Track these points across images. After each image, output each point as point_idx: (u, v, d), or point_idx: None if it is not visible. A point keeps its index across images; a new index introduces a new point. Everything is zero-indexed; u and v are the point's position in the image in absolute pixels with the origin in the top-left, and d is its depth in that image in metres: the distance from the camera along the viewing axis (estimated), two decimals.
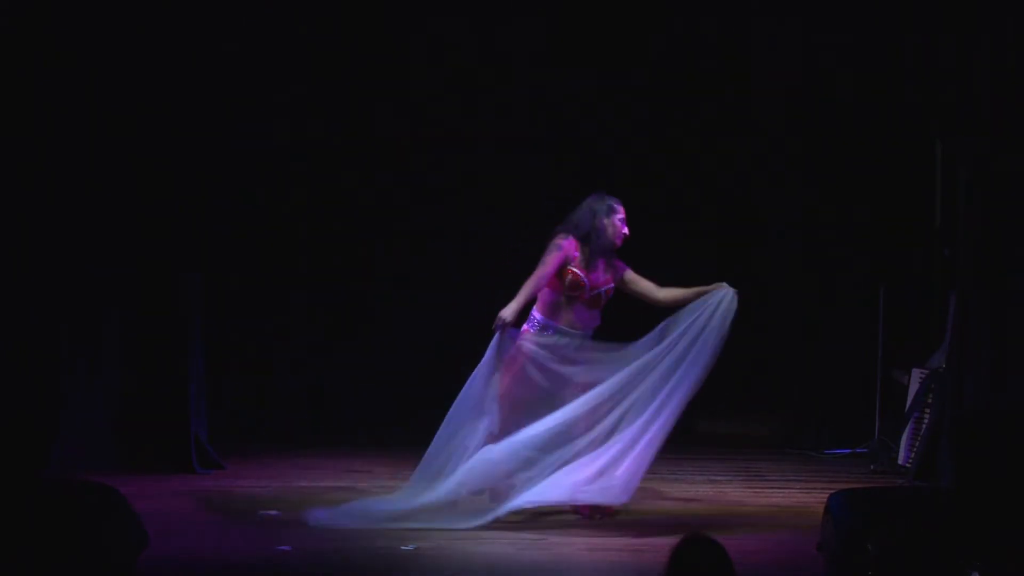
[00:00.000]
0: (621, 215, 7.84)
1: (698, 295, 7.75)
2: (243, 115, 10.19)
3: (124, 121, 9.04)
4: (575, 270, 7.77)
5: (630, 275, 7.93)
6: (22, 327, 8.85)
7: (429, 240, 10.93)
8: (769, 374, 10.71)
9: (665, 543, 7.15)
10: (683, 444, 10.28)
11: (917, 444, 9.12)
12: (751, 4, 10.38)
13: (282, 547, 7.23)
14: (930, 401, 9.14)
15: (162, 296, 9.22)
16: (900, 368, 9.76)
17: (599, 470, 7.60)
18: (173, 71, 9.10)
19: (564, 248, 7.78)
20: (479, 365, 7.75)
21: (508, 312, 7.69)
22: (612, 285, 7.86)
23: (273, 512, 8.04)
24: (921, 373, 9.36)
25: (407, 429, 10.63)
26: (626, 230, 7.84)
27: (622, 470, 7.59)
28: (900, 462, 9.32)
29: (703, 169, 11.34)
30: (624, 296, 7.95)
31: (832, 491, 6.79)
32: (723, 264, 11.30)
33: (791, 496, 8.69)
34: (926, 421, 9.10)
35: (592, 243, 7.79)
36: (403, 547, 7.30)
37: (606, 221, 7.81)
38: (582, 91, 10.81)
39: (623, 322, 7.90)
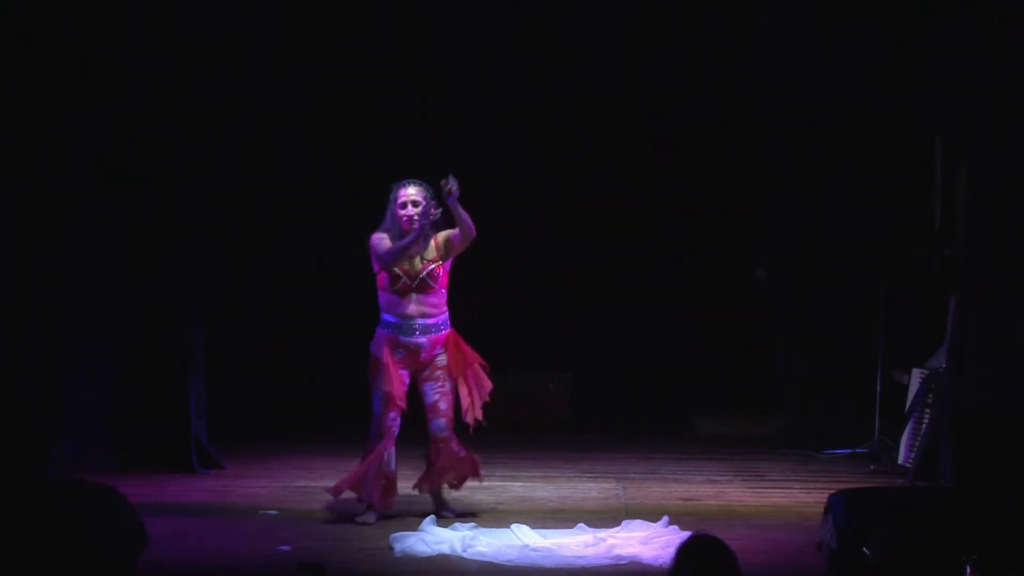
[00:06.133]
0: (401, 199, 7.79)
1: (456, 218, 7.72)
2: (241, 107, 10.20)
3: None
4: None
5: (451, 241, 7.85)
6: (23, 328, 8.84)
7: None
8: (769, 374, 10.69)
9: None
10: (683, 444, 10.34)
11: (917, 444, 9.11)
12: (752, 2, 10.38)
13: (282, 547, 7.24)
14: (930, 401, 9.14)
15: (162, 297, 9.21)
16: (900, 368, 9.75)
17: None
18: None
19: (372, 246, 7.82)
20: None
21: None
22: (439, 263, 7.83)
23: (273, 512, 8.04)
24: (921, 373, 9.35)
25: (407, 429, 10.67)
26: (409, 211, 7.76)
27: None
28: (900, 462, 9.31)
29: (702, 170, 11.38)
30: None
31: (832, 491, 6.80)
32: (723, 263, 11.35)
33: (791, 496, 8.69)
34: (926, 421, 9.09)
35: (395, 233, 7.80)
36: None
37: (395, 211, 7.80)
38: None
39: None
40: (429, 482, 7.97)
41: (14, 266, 8.81)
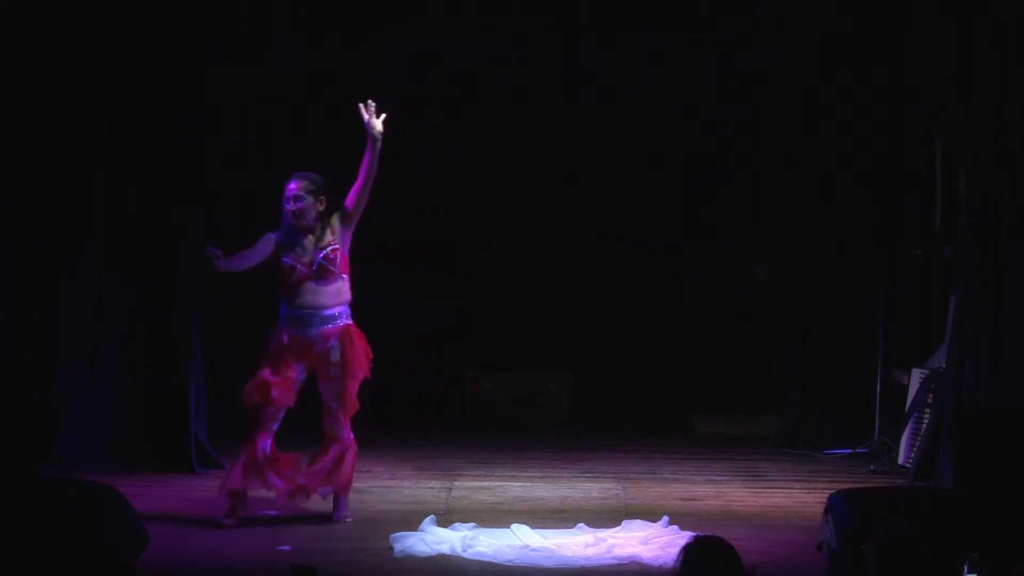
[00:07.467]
0: (287, 193, 7.66)
1: (371, 152, 7.67)
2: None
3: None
4: (281, 260, 7.62)
5: (346, 210, 7.70)
6: (22, 327, 8.84)
7: (427, 240, 10.94)
8: (769, 374, 10.69)
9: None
10: (683, 444, 10.34)
11: (917, 444, 9.11)
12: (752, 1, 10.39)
13: (282, 547, 7.24)
14: (930, 401, 9.14)
15: (162, 296, 9.20)
16: (900, 368, 9.75)
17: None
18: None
19: (270, 239, 7.67)
20: None
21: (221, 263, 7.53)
22: (335, 246, 7.63)
23: (273, 512, 8.03)
24: (921, 373, 9.35)
25: (407, 429, 10.67)
26: (289, 207, 7.63)
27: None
28: (900, 462, 9.31)
29: (702, 169, 11.39)
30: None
31: (832, 491, 6.80)
32: (723, 263, 11.35)
33: (791, 496, 8.68)
34: (926, 421, 9.09)
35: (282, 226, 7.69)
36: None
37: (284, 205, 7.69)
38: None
39: None
40: (304, 488, 7.81)
41: (14, 266, 8.81)
